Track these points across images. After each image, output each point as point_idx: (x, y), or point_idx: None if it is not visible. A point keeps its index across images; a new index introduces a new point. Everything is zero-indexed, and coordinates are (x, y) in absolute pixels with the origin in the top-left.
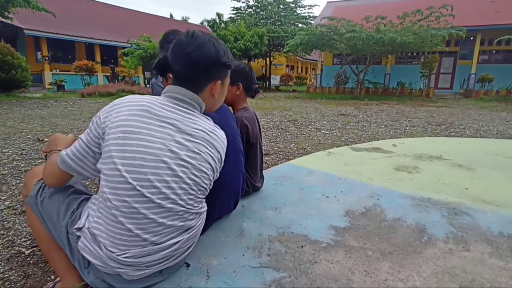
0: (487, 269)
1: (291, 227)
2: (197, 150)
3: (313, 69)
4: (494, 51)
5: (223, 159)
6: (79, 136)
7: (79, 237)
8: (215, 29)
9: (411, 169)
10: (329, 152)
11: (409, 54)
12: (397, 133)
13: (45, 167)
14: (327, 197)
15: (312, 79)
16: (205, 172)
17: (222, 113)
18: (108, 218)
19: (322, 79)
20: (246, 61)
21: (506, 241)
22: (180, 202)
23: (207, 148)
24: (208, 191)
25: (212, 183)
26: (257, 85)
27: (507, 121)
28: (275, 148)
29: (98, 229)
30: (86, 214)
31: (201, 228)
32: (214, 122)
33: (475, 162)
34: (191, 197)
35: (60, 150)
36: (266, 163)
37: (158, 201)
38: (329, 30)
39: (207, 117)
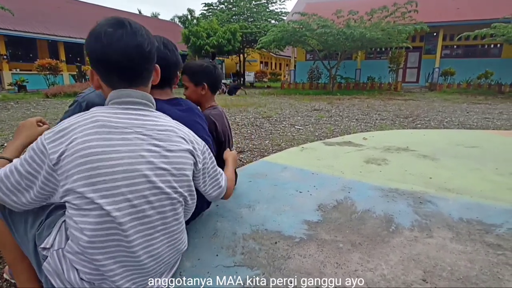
0: (448, 254)
1: (265, 224)
2: (169, 154)
3: (287, 65)
4: (455, 46)
5: (200, 147)
6: (13, 162)
7: (45, 256)
8: (186, 25)
9: (380, 161)
10: (302, 147)
11: (378, 50)
12: (367, 126)
13: None
14: (300, 192)
15: (286, 75)
16: (184, 175)
17: (192, 114)
18: (78, 245)
19: (296, 75)
20: (210, 59)
21: (465, 226)
22: (157, 216)
23: (177, 145)
24: (190, 201)
25: (193, 188)
26: (235, 81)
27: (467, 112)
28: (250, 145)
29: (70, 253)
30: (55, 234)
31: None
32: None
33: (439, 153)
34: (170, 207)
35: (6, 159)
36: (241, 160)
37: (134, 222)
38: (301, 26)
39: (161, 113)
